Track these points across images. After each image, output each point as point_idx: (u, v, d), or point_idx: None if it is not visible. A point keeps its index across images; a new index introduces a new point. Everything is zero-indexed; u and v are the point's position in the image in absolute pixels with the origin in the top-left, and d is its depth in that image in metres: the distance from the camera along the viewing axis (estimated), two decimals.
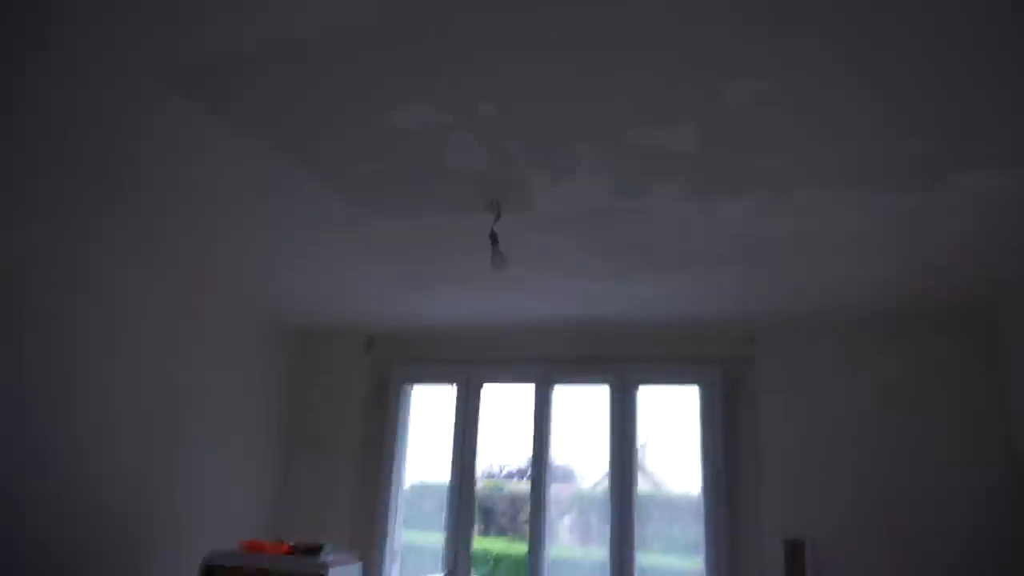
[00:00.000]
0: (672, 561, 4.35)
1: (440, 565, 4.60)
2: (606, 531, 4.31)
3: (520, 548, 4.55)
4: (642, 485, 4.40)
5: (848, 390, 4.02)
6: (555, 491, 4.60)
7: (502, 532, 4.85)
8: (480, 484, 4.76)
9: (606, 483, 4.44)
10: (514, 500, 4.87)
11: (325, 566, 3.55)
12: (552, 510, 4.52)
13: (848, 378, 4.04)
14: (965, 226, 2.73)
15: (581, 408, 4.71)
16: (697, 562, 4.17)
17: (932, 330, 3.96)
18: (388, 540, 4.70)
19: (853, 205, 2.59)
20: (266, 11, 1.64)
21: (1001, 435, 3.70)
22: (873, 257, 3.11)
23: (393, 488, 4.79)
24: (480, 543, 4.71)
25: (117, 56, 1.85)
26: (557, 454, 4.65)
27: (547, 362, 4.69)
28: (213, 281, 4.05)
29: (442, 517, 4.70)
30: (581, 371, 4.64)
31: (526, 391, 4.72)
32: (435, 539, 4.70)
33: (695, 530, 4.21)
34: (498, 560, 4.76)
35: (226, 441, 4.47)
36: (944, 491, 3.72)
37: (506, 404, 4.86)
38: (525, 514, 4.58)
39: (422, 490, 5.00)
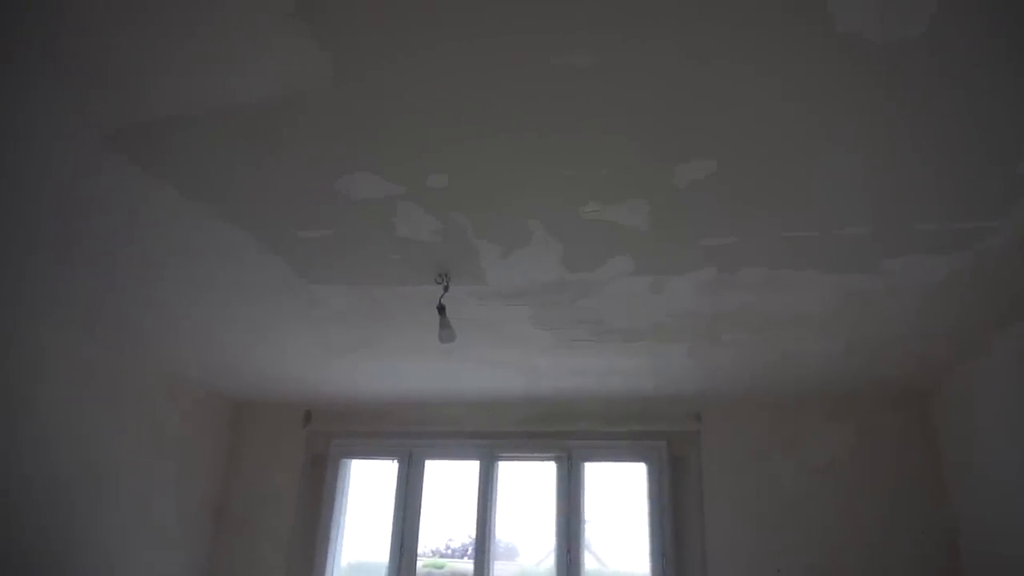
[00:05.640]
0: None
1: None
2: None
3: None
4: (589, 563, 4.28)
5: (792, 469, 4.02)
6: (498, 569, 4.44)
7: None
8: (420, 563, 4.56)
9: (550, 560, 4.30)
10: None
11: None
12: None
13: (792, 456, 4.04)
14: (902, 308, 2.80)
15: (526, 484, 4.59)
16: None
17: (872, 409, 4.02)
18: None
19: (798, 284, 2.63)
20: (217, 72, 1.60)
21: (940, 515, 3.73)
22: (816, 335, 3.15)
23: (328, 567, 4.55)
24: None
25: (51, 109, 1.77)
26: (501, 531, 4.51)
27: (493, 437, 4.58)
28: (142, 345, 3.82)
29: None
30: (527, 447, 4.54)
31: (470, 467, 4.59)
32: None
33: None
34: None
35: (148, 514, 4.18)
36: (887, 572, 3.70)
37: (449, 480, 4.71)
38: None
39: (359, 569, 4.78)
